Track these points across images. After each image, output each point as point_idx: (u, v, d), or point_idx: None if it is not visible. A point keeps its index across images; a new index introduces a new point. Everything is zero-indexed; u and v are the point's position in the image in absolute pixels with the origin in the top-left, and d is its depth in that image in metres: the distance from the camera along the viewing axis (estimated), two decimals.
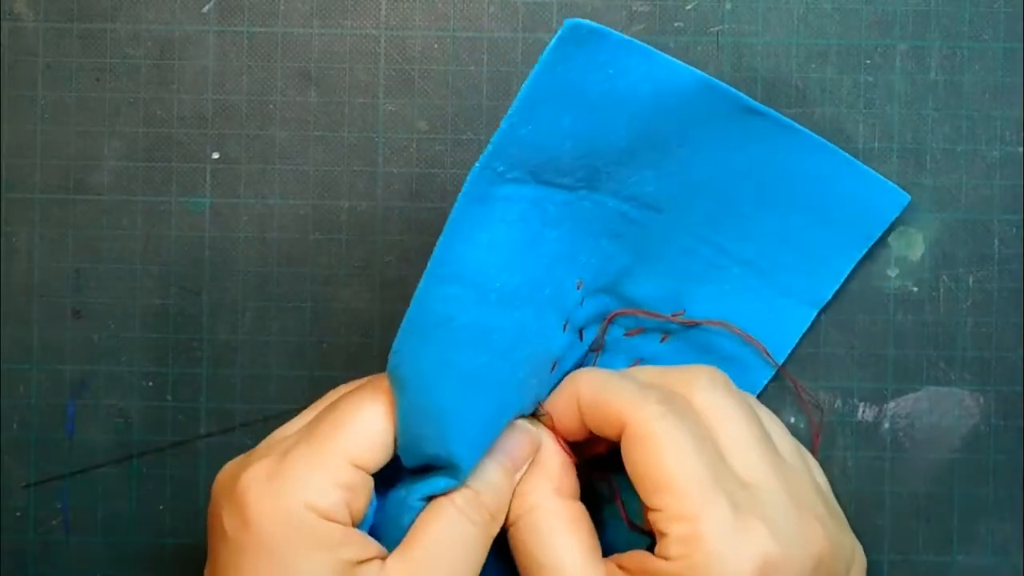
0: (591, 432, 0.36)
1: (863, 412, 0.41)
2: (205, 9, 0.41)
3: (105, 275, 0.41)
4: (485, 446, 0.35)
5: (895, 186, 0.40)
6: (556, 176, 0.36)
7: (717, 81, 0.37)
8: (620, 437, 0.34)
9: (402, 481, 0.36)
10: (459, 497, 0.34)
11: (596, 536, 0.36)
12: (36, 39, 0.41)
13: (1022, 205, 0.41)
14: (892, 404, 0.41)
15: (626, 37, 0.36)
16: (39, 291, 0.41)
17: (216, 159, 0.41)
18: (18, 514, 0.41)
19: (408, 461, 0.35)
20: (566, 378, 0.37)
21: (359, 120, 0.41)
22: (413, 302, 0.33)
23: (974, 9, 0.41)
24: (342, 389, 0.37)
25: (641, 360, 0.40)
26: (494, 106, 0.41)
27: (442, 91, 0.41)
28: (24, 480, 0.41)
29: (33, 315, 0.41)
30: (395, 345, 0.34)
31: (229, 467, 0.35)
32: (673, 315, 0.40)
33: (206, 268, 0.41)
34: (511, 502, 0.36)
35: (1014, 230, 0.41)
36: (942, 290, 0.41)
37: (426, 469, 0.35)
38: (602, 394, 0.35)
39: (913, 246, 0.41)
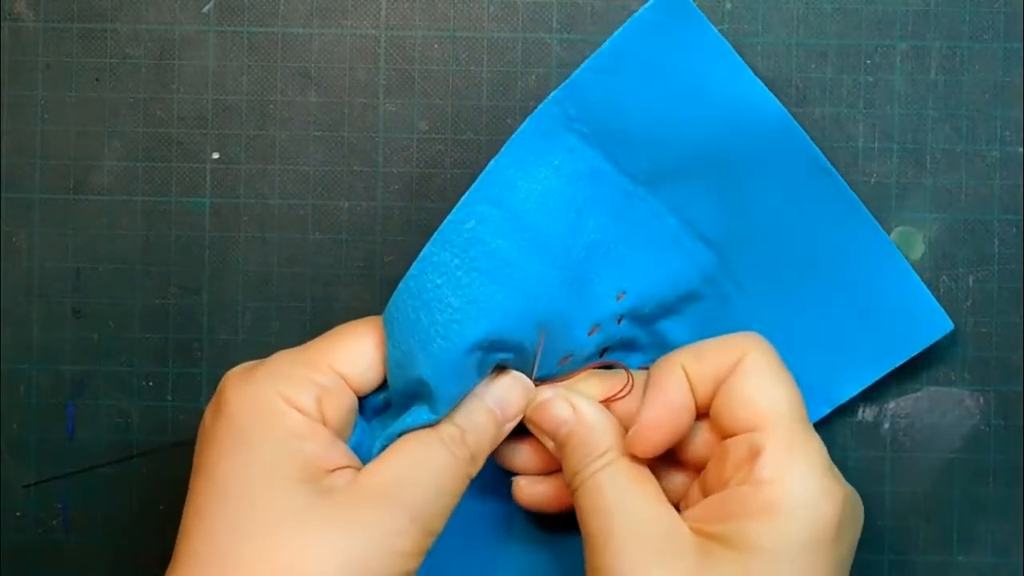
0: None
1: (863, 412, 0.41)
2: (205, 9, 0.41)
3: (105, 275, 0.41)
4: (469, 383, 0.35)
5: (942, 310, 0.39)
6: (622, 154, 0.36)
7: (798, 125, 0.38)
8: (728, 374, 0.35)
9: (388, 415, 0.36)
10: (442, 428, 0.34)
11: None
12: (36, 39, 0.41)
13: (1022, 205, 0.41)
14: (892, 404, 0.41)
15: (721, 37, 0.37)
16: (39, 291, 0.41)
17: (216, 159, 0.41)
18: (18, 514, 0.41)
19: (394, 383, 0.35)
20: (676, 353, 0.36)
21: (359, 120, 0.41)
22: (450, 215, 0.34)
23: (974, 9, 0.41)
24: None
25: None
26: (494, 106, 0.41)
27: (442, 91, 0.41)
28: (24, 480, 0.41)
29: (33, 315, 0.41)
30: (422, 253, 0.34)
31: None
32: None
33: (206, 268, 0.41)
34: (579, 463, 0.35)
35: (1014, 230, 0.41)
36: (942, 290, 0.41)
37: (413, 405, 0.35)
38: (724, 341, 0.36)
39: (913, 246, 0.41)
